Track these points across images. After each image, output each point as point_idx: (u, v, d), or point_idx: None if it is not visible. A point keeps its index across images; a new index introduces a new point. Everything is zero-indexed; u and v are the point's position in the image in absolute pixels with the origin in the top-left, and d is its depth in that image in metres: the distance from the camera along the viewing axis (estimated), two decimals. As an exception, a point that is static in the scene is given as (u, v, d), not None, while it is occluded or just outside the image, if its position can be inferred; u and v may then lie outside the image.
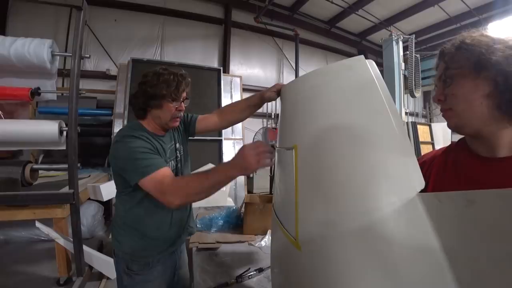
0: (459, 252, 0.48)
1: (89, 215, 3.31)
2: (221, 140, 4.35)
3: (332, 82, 0.68)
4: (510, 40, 0.58)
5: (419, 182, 0.55)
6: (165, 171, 1.03)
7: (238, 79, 4.93)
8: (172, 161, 1.26)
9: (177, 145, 1.30)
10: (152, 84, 1.14)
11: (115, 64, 4.76)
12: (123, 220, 1.19)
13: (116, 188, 1.19)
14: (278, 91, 1.07)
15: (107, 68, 4.77)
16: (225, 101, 4.46)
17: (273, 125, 6.13)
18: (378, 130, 0.61)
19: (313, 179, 0.68)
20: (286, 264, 0.85)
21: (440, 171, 0.71)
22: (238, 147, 4.62)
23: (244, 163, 0.89)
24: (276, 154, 0.95)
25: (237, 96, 4.71)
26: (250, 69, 6.19)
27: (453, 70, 0.62)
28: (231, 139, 4.58)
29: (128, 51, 4.97)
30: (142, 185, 1.02)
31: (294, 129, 0.79)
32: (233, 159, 0.92)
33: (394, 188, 0.56)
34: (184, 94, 1.21)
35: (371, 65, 0.66)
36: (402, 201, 0.54)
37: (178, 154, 1.30)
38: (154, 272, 1.19)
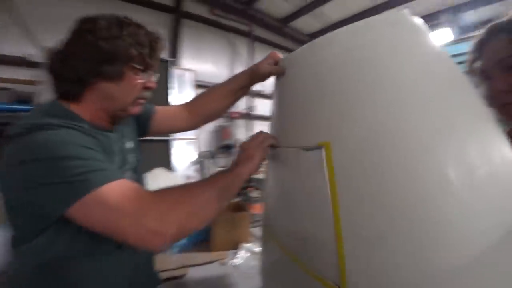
0: None
1: None
2: (170, 140, 3.73)
3: (381, 41, 0.47)
4: None
5: None
6: (125, 183, 0.59)
7: (191, 73, 4.54)
8: (129, 172, 0.80)
9: (131, 144, 0.85)
10: (110, 36, 0.66)
11: (40, 50, 3.96)
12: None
13: (14, 233, 0.65)
14: (276, 63, 0.78)
15: (28, 53, 3.93)
16: (176, 96, 3.93)
17: (228, 123, 5.78)
18: (462, 115, 0.41)
19: (366, 192, 0.43)
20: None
21: None
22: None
23: (247, 154, 0.69)
24: (272, 155, 0.73)
25: (189, 91, 4.32)
26: (202, 64, 5.81)
27: None
28: (182, 139, 4.02)
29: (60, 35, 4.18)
30: (79, 214, 0.55)
31: (317, 118, 0.55)
32: (235, 160, 0.69)
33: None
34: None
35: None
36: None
37: (135, 160, 0.86)
38: None
